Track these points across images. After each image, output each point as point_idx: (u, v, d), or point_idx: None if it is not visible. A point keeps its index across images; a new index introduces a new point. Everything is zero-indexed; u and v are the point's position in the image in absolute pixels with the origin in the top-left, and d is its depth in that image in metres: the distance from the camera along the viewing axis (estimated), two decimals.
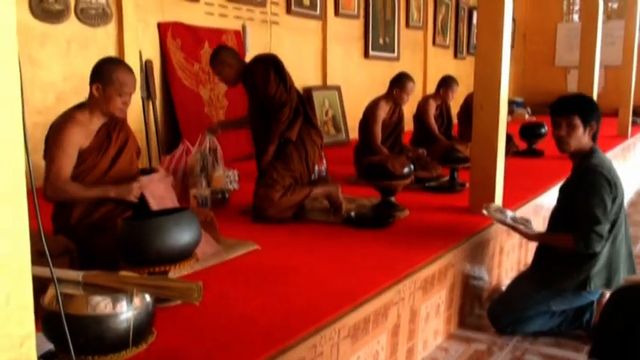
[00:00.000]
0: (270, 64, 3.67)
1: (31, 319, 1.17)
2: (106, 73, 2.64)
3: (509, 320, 3.05)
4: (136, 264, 2.13)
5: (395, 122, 5.05)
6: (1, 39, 1.07)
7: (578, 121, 2.97)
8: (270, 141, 3.58)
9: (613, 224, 2.89)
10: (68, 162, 2.60)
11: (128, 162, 2.81)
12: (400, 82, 4.86)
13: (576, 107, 3.00)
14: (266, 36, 6.53)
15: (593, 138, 3.02)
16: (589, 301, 3.02)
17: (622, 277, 2.95)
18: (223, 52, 3.81)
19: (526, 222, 3.31)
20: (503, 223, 3.24)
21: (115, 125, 2.77)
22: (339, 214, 3.60)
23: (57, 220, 2.70)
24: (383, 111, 4.85)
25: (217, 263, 2.73)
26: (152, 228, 2.11)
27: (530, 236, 3.19)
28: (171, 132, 5.48)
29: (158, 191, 2.72)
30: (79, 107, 2.71)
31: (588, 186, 2.87)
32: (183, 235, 2.14)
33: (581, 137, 2.98)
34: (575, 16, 13.15)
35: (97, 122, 2.71)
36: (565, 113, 3.00)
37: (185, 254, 2.19)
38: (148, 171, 2.89)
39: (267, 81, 3.58)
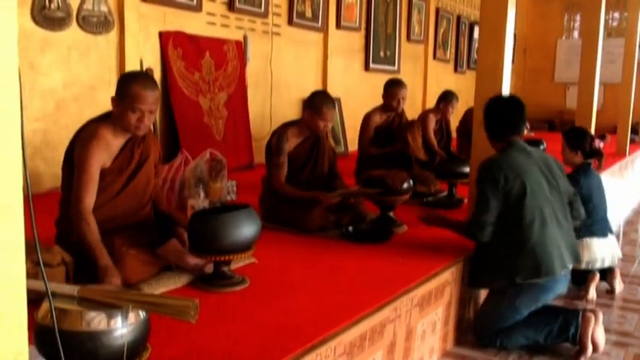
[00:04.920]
0: None
1: (25, 336, 1.16)
2: (122, 87, 2.53)
3: (488, 333, 3.09)
4: (205, 253, 2.50)
5: (396, 129, 5.08)
6: (1, 48, 1.06)
7: None
8: None
9: (518, 216, 2.96)
10: (92, 187, 2.49)
11: (144, 181, 2.70)
12: (385, 87, 5.00)
13: None
14: (267, 47, 6.54)
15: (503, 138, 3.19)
16: (554, 295, 3.10)
17: (560, 265, 2.99)
18: None
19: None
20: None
21: (142, 139, 2.66)
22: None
23: (60, 228, 2.66)
24: (375, 118, 4.98)
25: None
26: (224, 221, 2.46)
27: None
28: (171, 141, 5.46)
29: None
30: (105, 119, 2.59)
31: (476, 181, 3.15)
32: (248, 228, 2.50)
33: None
34: (576, 33, 13.21)
35: (121, 138, 2.59)
36: None
37: (247, 245, 2.53)
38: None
39: None
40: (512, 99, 3.32)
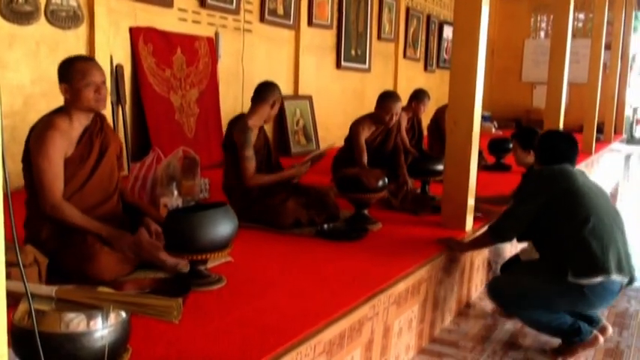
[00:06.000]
0: None
1: (4, 339, 1.12)
2: (66, 70, 2.57)
3: (510, 297, 3.03)
4: (182, 252, 2.46)
5: (378, 143, 4.92)
6: None
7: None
8: None
9: (571, 213, 2.93)
10: (58, 174, 2.51)
11: (108, 171, 2.72)
12: (379, 99, 4.77)
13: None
14: (239, 44, 6.50)
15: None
16: (592, 312, 3.05)
17: (615, 266, 2.82)
18: None
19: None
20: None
21: (99, 130, 2.68)
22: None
23: (28, 228, 2.62)
24: (365, 132, 4.77)
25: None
26: (201, 219, 2.42)
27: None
28: (141, 138, 5.39)
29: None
30: (58, 112, 2.61)
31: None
32: (225, 226, 2.46)
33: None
34: (542, 33, 13.43)
35: (78, 127, 2.61)
36: None
37: (224, 244, 2.49)
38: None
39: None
40: (569, 135, 3.34)
